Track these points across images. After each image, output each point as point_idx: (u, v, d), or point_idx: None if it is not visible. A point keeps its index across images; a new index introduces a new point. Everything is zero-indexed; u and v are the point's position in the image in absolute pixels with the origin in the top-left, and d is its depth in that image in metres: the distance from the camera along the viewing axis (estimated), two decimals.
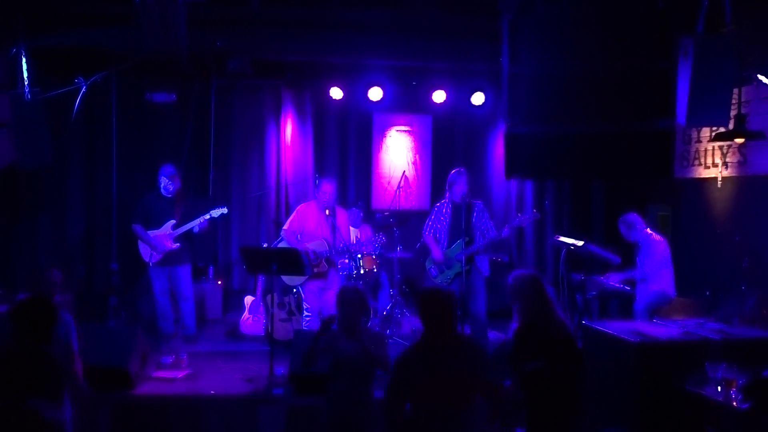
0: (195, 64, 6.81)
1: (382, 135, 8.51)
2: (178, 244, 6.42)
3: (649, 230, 6.32)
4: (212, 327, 7.36)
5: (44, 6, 6.08)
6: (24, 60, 5.88)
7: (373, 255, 6.93)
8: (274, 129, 8.20)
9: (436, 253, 6.28)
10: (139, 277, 6.98)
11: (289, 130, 8.22)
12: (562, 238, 6.71)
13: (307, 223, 6.23)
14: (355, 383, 3.85)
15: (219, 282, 7.90)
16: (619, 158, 5.11)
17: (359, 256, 6.84)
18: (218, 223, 7.56)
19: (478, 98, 8.02)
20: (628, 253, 6.53)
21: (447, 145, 8.52)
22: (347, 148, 8.45)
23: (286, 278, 6.29)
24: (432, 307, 3.39)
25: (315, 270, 6.19)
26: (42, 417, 3.22)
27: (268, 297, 6.28)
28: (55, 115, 6.34)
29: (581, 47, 4.86)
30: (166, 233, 6.41)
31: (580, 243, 6.43)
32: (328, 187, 6.19)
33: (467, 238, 6.14)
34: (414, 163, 8.55)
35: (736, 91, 5.12)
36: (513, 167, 5.38)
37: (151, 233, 6.41)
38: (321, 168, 8.09)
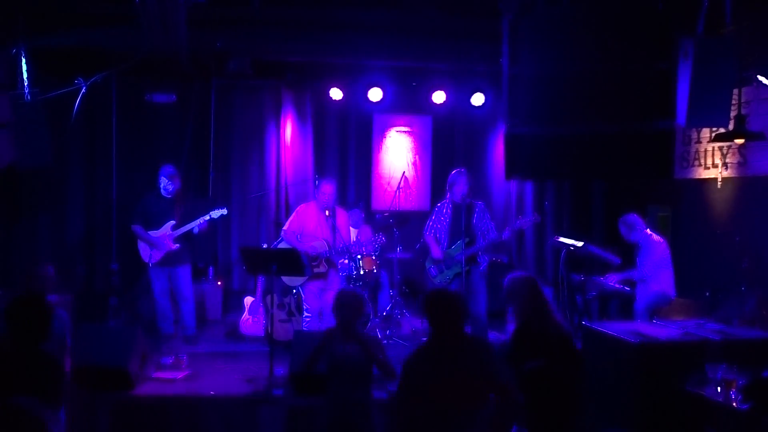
0: (195, 65, 6.81)
1: (382, 135, 8.51)
2: (177, 244, 6.42)
3: (649, 231, 6.32)
4: (212, 327, 7.36)
5: (44, 6, 6.08)
6: (24, 60, 5.88)
7: (372, 255, 6.93)
8: (274, 129, 8.20)
9: (436, 251, 6.28)
10: (139, 277, 6.98)
11: (289, 130, 8.22)
12: (562, 239, 6.72)
13: (307, 224, 6.23)
14: (353, 385, 3.85)
15: (219, 282, 7.89)
16: (619, 159, 5.11)
17: (359, 256, 6.84)
18: (218, 224, 7.55)
19: (478, 99, 8.01)
20: (629, 253, 6.53)
21: (447, 146, 8.52)
22: (347, 149, 8.45)
23: (286, 279, 6.29)
24: (439, 308, 3.38)
25: (315, 271, 6.19)
26: (28, 414, 3.21)
27: (268, 298, 6.28)
28: (55, 116, 6.34)
29: (581, 48, 4.86)
30: (165, 234, 6.41)
31: (580, 244, 6.44)
32: (328, 188, 6.19)
33: (467, 239, 6.14)
34: (414, 163, 8.55)
35: (736, 91, 5.12)
36: (513, 168, 5.38)
37: (151, 234, 6.41)
38: (321, 168, 8.09)
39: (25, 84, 5.83)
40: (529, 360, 3.85)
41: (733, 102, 4.94)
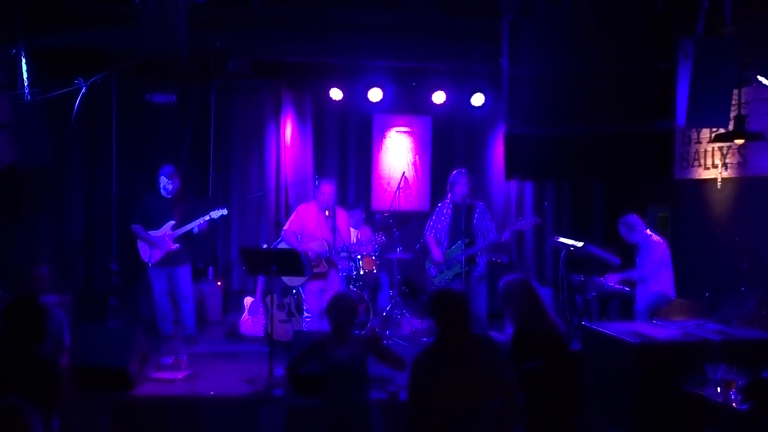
0: (195, 65, 6.81)
1: (382, 136, 8.51)
2: (177, 244, 6.42)
3: (648, 231, 6.32)
4: (212, 328, 7.36)
5: (44, 6, 6.08)
6: (24, 60, 5.88)
7: (372, 256, 6.94)
8: (273, 130, 8.20)
9: (436, 253, 6.29)
10: (139, 277, 6.98)
11: (288, 130, 8.22)
12: (562, 239, 6.72)
13: (307, 224, 6.23)
14: (350, 388, 3.85)
15: (219, 283, 7.89)
16: (619, 159, 5.12)
17: (359, 257, 6.84)
18: (218, 224, 7.55)
19: (477, 99, 8.01)
20: (628, 253, 6.53)
21: (447, 146, 8.52)
22: (347, 149, 8.45)
23: (286, 279, 6.29)
24: (445, 307, 3.37)
25: (315, 271, 6.19)
26: (13, 414, 3.20)
27: (268, 298, 6.28)
28: (55, 116, 6.34)
29: (581, 48, 4.86)
30: (165, 234, 6.41)
31: (580, 244, 6.44)
32: (328, 188, 6.19)
33: (467, 239, 6.14)
34: (414, 164, 8.55)
35: (735, 92, 5.11)
36: (513, 168, 5.39)
37: (151, 234, 6.41)
38: (321, 169, 8.08)
39: (25, 84, 5.83)
40: (529, 361, 3.86)
41: (733, 102, 4.95)
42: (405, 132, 8.54)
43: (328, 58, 7.41)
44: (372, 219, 7.83)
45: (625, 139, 5.01)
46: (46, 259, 7.36)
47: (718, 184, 6.35)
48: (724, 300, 5.64)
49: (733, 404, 3.42)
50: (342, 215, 6.37)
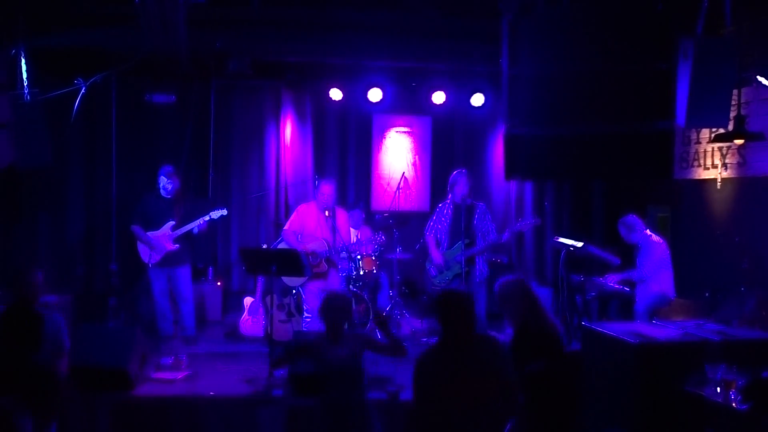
0: (195, 65, 6.81)
1: (382, 136, 8.50)
2: (177, 245, 6.42)
3: (648, 232, 6.32)
4: (212, 328, 7.35)
5: (44, 6, 6.08)
6: (23, 60, 5.88)
7: (372, 256, 6.93)
8: (273, 130, 8.20)
9: (436, 256, 6.30)
10: (139, 277, 6.97)
11: (288, 130, 8.22)
12: (562, 240, 6.71)
13: (307, 224, 6.23)
14: (345, 389, 3.85)
15: (218, 283, 7.89)
16: (619, 159, 5.12)
17: (359, 257, 6.84)
18: (218, 224, 7.55)
19: (477, 99, 8.02)
20: (628, 254, 6.53)
21: (446, 147, 8.52)
22: (347, 149, 8.45)
23: (286, 279, 6.29)
24: (449, 308, 3.37)
25: (315, 271, 6.19)
26: (5, 417, 3.21)
27: (268, 298, 6.28)
28: (55, 116, 6.34)
29: (581, 48, 4.86)
30: (165, 234, 6.41)
31: (580, 244, 6.44)
32: (327, 188, 6.19)
33: (467, 240, 6.14)
34: (413, 164, 8.55)
35: (735, 92, 5.11)
36: (512, 168, 5.39)
37: (151, 234, 6.41)
38: (320, 169, 8.08)
39: (25, 84, 5.83)
40: (531, 361, 3.86)
41: (733, 102, 4.95)
42: (405, 132, 8.54)
43: (328, 58, 7.41)
44: (372, 219, 7.83)
45: (624, 140, 5.01)
46: (46, 259, 7.37)
47: (718, 184, 6.35)
48: (724, 300, 5.64)
49: (733, 404, 3.41)
50: (342, 215, 6.37)
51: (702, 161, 6.64)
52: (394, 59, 7.31)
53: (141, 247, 6.49)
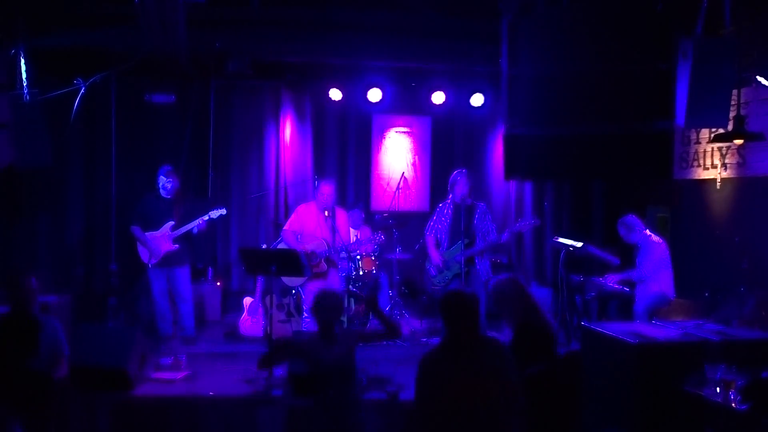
0: (194, 65, 6.81)
1: (381, 136, 8.50)
2: (177, 245, 6.42)
3: (648, 232, 6.32)
4: (211, 328, 7.35)
5: (44, 6, 6.08)
6: (23, 60, 5.88)
7: (372, 256, 6.93)
8: (273, 130, 8.20)
9: (435, 257, 6.30)
10: (138, 278, 6.98)
11: (288, 131, 8.22)
12: (562, 240, 6.72)
13: (306, 224, 6.24)
14: (340, 389, 3.85)
15: (218, 283, 7.89)
16: (619, 159, 5.12)
17: (358, 257, 6.84)
18: (217, 224, 7.55)
19: (477, 99, 8.02)
20: (628, 254, 6.53)
21: (446, 147, 8.52)
22: (346, 150, 8.45)
23: (285, 279, 6.29)
24: (455, 308, 3.36)
25: (314, 271, 6.19)
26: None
27: (267, 298, 6.28)
28: (55, 116, 6.34)
29: (581, 48, 4.86)
30: (165, 234, 6.41)
31: (580, 244, 6.44)
32: (327, 189, 6.19)
33: (467, 240, 6.14)
34: (413, 164, 8.55)
35: (735, 92, 5.11)
36: (512, 168, 5.39)
37: (150, 234, 6.41)
38: (320, 169, 8.08)
39: (25, 84, 5.83)
40: (531, 361, 3.86)
41: (732, 103, 4.94)
42: (404, 132, 8.54)
43: (328, 59, 7.41)
44: (371, 219, 7.83)
45: (624, 140, 5.01)
46: (45, 259, 7.37)
47: (718, 184, 6.35)
48: (724, 300, 5.63)
49: (733, 404, 3.42)
50: (341, 215, 6.37)
51: (701, 161, 6.64)
52: (393, 59, 7.31)
53: (140, 248, 6.49)
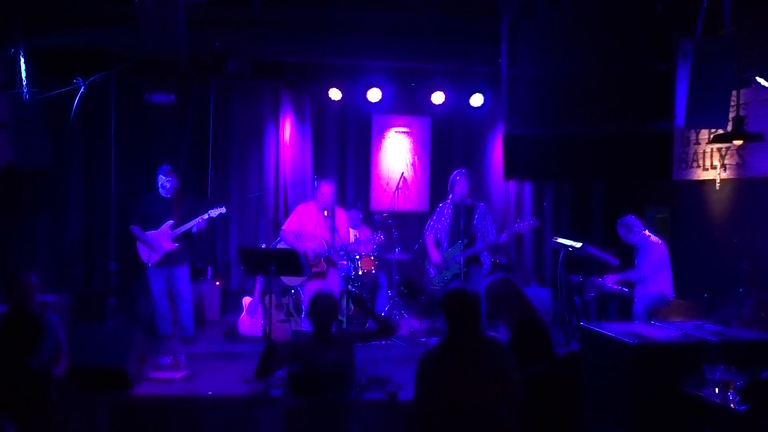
0: (194, 65, 6.80)
1: (381, 136, 8.51)
2: (176, 244, 6.42)
3: (647, 232, 6.33)
4: (210, 328, 7.35)
5: (43, 5, 6.07)
6: (22, 60, 5.88)
7: (371, 256, 6.94)
8: (272, 130, 8.20)
9: (434, 256, 6.30)
10: (138, 277, 6.97)
11: (287, 130, 8.22)
12: (561, 240, 6.73)
13: (306, 224, 6.24)
14: (336, 391, 3.86)
15: (217, 283, 7.89)
16: (618, 160, 5.10)
17: (357, 257, 6.84)
18: (217, 224, 7.55)
19: (477, 100, 8.02)
20: (627, 254, 6.53)
21: (446, 147, 8.52)
22: (346, 150, 8.45)
23: (285, 279, 6.29)
24: (456, 307, 3.36)
25: (313, 270, 6.19)
26: None
27: (267, 298, 6.28)
28: (54, 115, 6.34)
29: (580, 48, 4.85)
30: (164, 233, 6.41)
31: (579, 244, 6.45)
32: (327, 188, 6.19)
33: (466, 240, 6.14)
34: (413, 164, 8.55)
35: (734, 93, 5.12)
36: (512, 169, 5.37)
37: (150, 234, 6.41)
38: (320, 169, 8.08)
39: (24, 83, 5.83)
40: (531, 360, 3.87)
41: (732, 103, 4.95)
42: (404, 132, 8.54)
43: (328, 59, 7.41)
44: (371, 219, 7.83)
45: (623, 140, 5.00)
46: (44, 258, 7.37)
47: (717, 185, 6.35)
48: (723, 301, 5.64)
49: (731, 405, 3.42)
50: (341, 215, 6.37)
51: (701, 162, 6.64)
52: (393, 59, 7.31)
53: (140, 247, 6.48)
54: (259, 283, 6.94)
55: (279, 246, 6.56)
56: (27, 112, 5.78)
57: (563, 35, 4.91)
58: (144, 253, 6.46)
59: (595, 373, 4.33)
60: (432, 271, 6.39)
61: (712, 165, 6.47)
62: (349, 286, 6.73)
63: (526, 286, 7.90)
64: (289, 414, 4.81)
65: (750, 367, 3.49)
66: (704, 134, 6.58)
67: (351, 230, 7.14)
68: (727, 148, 6.25)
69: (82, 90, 6.26)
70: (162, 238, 6.40)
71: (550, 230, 8.23)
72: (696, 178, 6.70)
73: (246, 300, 6.96)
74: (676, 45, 4.58)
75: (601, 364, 4.29)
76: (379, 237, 6.63)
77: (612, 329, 4.35)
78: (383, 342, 6.20)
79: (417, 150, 8.55)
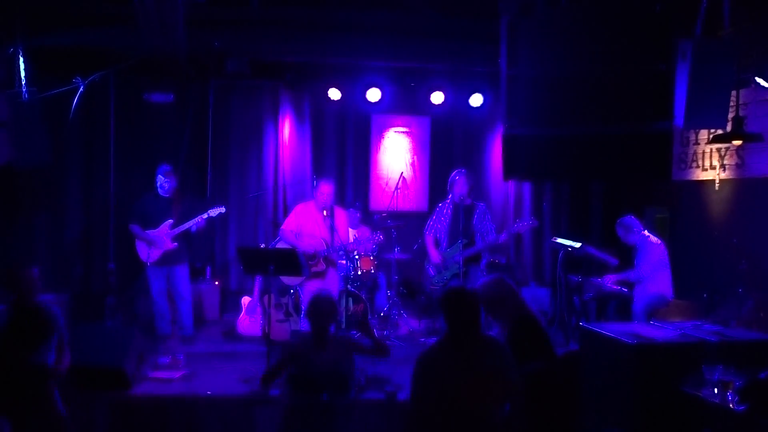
0: (193, 64, 6.81)
1: (380, 136, 8.51)
2: (175, 243, 6.42)
3: (646, 233, 6.33)
4: (209, 327, 7.35)
5: (43, 5, 6.07)
6: (21, 59, 5.88)
7: (370, 256, 6.93)
8: (272, 129, 8.20)
9: (434, 256, 6.30)
10: (137, 277, 6.97)
11: (287, 130, 8.22)
12: (560, 240, 6.73)
13: (305, 223, 6.24)
14: (332, 392, 3.86)
15: (216, 282, 7.88)
16: (618, 160, 5.11)
17: (357, 256, 6.83)
18: (216, 224, 7.54)
19: (476, 100, 8.02)
20: (626, 254, 6.53)
21: (445, 147, 8.52)
22: (345, 149, 8.45)
23: (284, 278, 6.29)
24: (456, 306, 3.35)
25: (313, 270, 6.19)
26: None
27: (266, 298, 6.27)
28: (53, 115, 6.34)
29: (580, 49, 4.85)
30: (163, 233, 6.41)
31: (578, 245, 6.45)
32: (326, 188, 6.19)
33: (466, 240, 6.14)
34: (412, 164, 8.55)
35: (734, 93, 5.12)
36: (511, 169, 5.38)
37: (149, 233, 6.41)
38: (319, 169, 8.08)
39: (23, 83, 5.83)
40: (530, 359, 3.87)
41: (731, 104, 4.95)
42: (403, 132, 8.54)
43: (327, 59, 7.41)
44: (370, 219, 7.83)
45: (623, 140, 5.00)
46: (43, 258, 7.36)
47: (716, 185, 6.36)
48: (722, 301, 5.65)
49: (731, 405, 3.42)
50: (340, 215, 6.37)
51: (700, 162, 6.64)
52: (393, 59, 7.31)
53: (139, 246, 6.48)
54: (258, 283, 6.94)
55: (278, 246, 6.55)
56: (26, 111, 5.78)
57: (563, 35, 4.91)
58: (143, 252, 6.45)
59: (594, 373, 4.33)
60: (431, 271, 6.39)
61: (712, 165, 6.48)
62: (349, 286, 6.74)
63: (526, 286, 7.92)
64: (287, 414, 4.82)
65: (749, 367, 3.50)
66: (704, 134, 6.59)
67: (350, 230, 7.14)
68: (727, 149, 6.25)
69: (81, 89, 6.26)
70: (161, 236, 6.40)
71: (550, 230, 8.24)
72: (695, 179, 6.70)
73: (245, 300, 6.95)
74: (676, 45, 4.58)
75: (600, 364, 4.29)
76: (379, 237, 6.63)
77: (611, 329, 4.35)
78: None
79: (416, 150, 8.55)
